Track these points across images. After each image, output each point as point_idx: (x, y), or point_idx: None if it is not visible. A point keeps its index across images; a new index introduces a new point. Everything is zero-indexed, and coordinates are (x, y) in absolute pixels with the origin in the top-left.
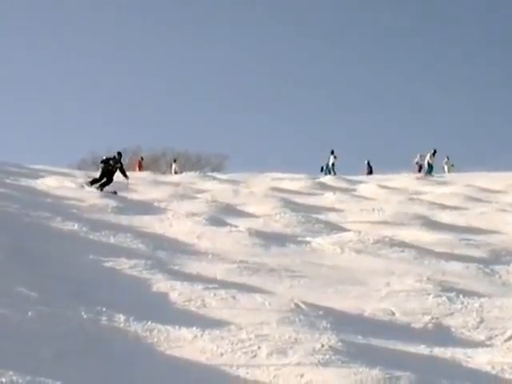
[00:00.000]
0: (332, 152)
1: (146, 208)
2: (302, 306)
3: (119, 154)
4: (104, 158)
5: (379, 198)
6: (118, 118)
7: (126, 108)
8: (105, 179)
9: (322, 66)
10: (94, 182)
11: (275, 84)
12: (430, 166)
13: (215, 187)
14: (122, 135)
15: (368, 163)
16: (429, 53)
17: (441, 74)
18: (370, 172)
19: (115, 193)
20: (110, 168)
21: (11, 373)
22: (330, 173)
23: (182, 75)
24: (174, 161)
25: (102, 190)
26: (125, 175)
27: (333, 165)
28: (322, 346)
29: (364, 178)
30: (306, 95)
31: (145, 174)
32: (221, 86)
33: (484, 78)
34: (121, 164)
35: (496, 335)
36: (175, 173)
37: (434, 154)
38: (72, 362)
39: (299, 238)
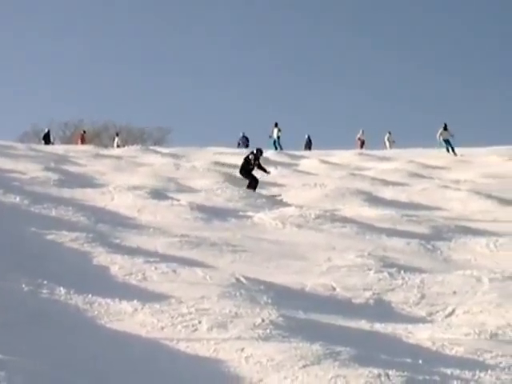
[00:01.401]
0: (276, 125)
1: (88, 181)
2: (243, 280)
3: (259, 150)
4: (247, 156)
5: (321, 173)
6: (59, 91)
7: (69, 81)
8: (252, 182)
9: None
10: (249, 187)
11: (219, 57)
12: (447, 142)
13: (157, 161)
14: (64, 108)
15: (308, 138)
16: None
17: (377, 51)
18: (309, 147)
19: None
20: (251, 167)
21: None
22: (275, 146)
23: (124, 49)
24: (117, 134)
25: (254, 190)
26: (264, 170)
27: (278, 138)
28: (263, 320)
29: (306, 153)
30: (251, 68)
31: (87, 148)
32: (163, 59)
33: (420, 53)
34: (258, 161)
35: (437, 311)
36: (117, 146)
37: (445, 129)
38: (13, 334)
39: (241, 213)
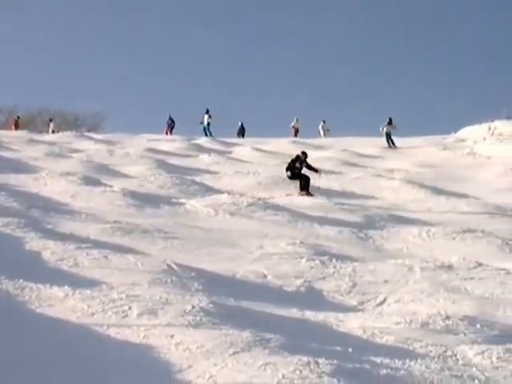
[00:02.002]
0: (207, 111)
1: (22, 167)
2: (174, 267)
3: (304, 153)
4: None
5: (255, 161)
6: None
7: (3, 66)
8: (302, 182)
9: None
10: (303, 189)
11: (155, 41)
12: (388, 135)
13: (91, 147)
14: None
15: (241, 125)
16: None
17: (313, 40)
18: (243, 134)
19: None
20: (297, 171)
21: None
22: (205, 132)
23: (59, 33)
24: (50, 120)
25: (308, 192)
26: (315, 170)
27: (208, 124)
28: (193, 307)
29: (240, 140)
30: (185, 52)
31: (21, 133)
32: (98, 44)
33: (358, 44)
34: (306, 162)
35: (368, 300)
36: (53, 132)
37: (390, 123)
38: None
39: (173, 200)
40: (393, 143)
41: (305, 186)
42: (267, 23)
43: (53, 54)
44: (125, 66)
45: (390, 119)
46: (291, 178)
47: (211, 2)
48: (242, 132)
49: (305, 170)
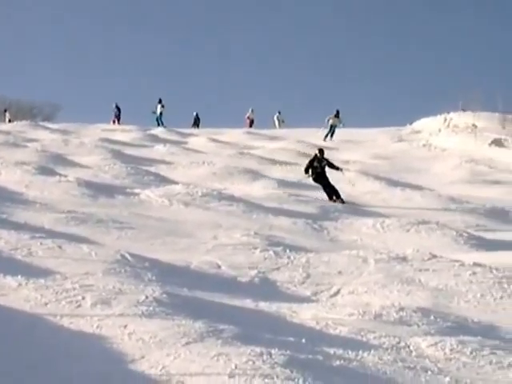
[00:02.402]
0: (160, 101)
1: None
2: (128, 257)
3: (320, 151)
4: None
5: (210, 152)
6: None
7: None
8: (327, 190)
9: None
10: (334, 197)
11: (106, 37)
12: (331, 127)
13: (46, 137)
14: None
15: (196, 115)
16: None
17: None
18: (197, 124)
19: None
20: (320, 171)
21: None
22: (157, 122)
23: (19, 22)
24: (5, 110)
25: (342, 200)
26: (337, 168)
27: (160, 114)
28: (147, 297)
29: (195, 131)
30: (137, 43)
31: None
32: (55, 35)
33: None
34: (326, 160)
35: (322, 291)
36: (9, 121)
37: (337, 116)
38: None
39: (128, 190)
40: (331, 136)
41: (336, 195)
42: (220, 13)
43: (8, 43)
44: (79, 55)
45: (338, 111)
46: (316, 180)
47: None
48: (196, 122)
49: (330, 171)
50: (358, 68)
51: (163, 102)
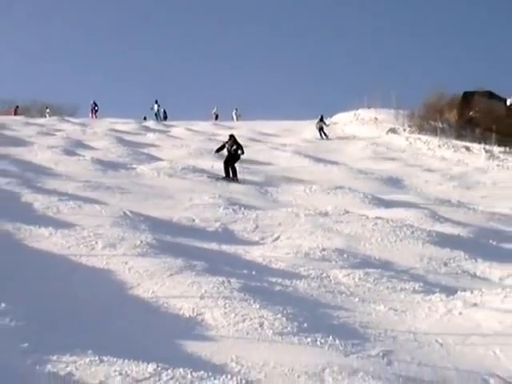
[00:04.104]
0: (156, 101)
1: (19, 142)
2: (128, 213)
3: (231, 136)
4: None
5: (186, 138)
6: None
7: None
8: (233, 170)
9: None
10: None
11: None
12: (320, 129)
13: (69, 128)
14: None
15: (164, 111)
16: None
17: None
18: (165, 118)
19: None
20: (231, 152)
21: None
22: (156, 117)
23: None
24: (46, 108)
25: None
26: (241, 148)
27: (158, 111)
28: (141, 242)
29: (176, 122)
30: (122, 45)
31: (19, 118)
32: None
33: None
34: (237, 144)
35: (267, 237)
36: (48, 115)
37: (321, 120)
38: None
39: (128, 165)
40: (325, 135)
41: (234, 174)
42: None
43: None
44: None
45: (322, 116)
46: (227, 160)
47: None
48: (165, 116)
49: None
50: (295, 71)
51: (159, 102)
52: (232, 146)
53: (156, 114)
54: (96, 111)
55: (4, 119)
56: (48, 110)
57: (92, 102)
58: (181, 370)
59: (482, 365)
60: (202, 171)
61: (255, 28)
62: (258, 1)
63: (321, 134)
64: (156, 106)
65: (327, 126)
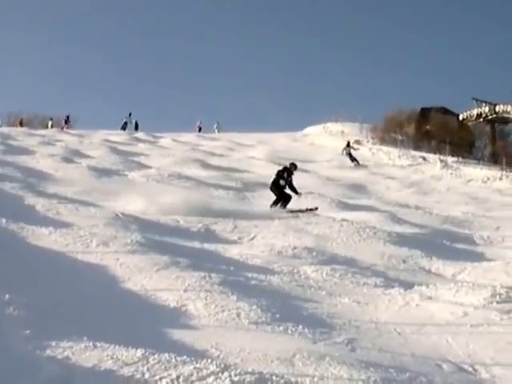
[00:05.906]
0: (130, 114)
1: (23, 151)
2: (120, 215)
3: (293, 165)
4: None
5: (173, 148)
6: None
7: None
8: (281, 197)
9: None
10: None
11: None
12: (349, 155)
13: (68, 138)
14: (7, 102)
15: (136, 122)
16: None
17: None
18: (136, 128)
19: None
20: (284, 184)
21: None
22: (127, 127)
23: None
24: (51, 119)
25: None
26: (296, 192)
27: (125, 123)
28: (132, 240)
29: (164, 134)
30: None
31: (24, 129)
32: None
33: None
34: (291, 178)
35: (244, 236)
36: (51, 127)
37: (348, 145)
38: None
39: (120, 172)
40: (356, 160)
41: (277, 203)
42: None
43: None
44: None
45: (348, 142)
46: (273, 190)
47: None
48: (136, 127)
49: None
50: (271, 88)
51: (132, 115)
52: (289, 177)
53: (126, 123)
54: (67, 123)
55: (10, 130)
56: (51, 122)
57: (66, 116)
58: (166, 354)
59: (435, 351)
60: (187, 178)
61: (229, 51)
62: (228, 15)
63: (352, 161)
64: (129, 118)
65: (356, 150)
